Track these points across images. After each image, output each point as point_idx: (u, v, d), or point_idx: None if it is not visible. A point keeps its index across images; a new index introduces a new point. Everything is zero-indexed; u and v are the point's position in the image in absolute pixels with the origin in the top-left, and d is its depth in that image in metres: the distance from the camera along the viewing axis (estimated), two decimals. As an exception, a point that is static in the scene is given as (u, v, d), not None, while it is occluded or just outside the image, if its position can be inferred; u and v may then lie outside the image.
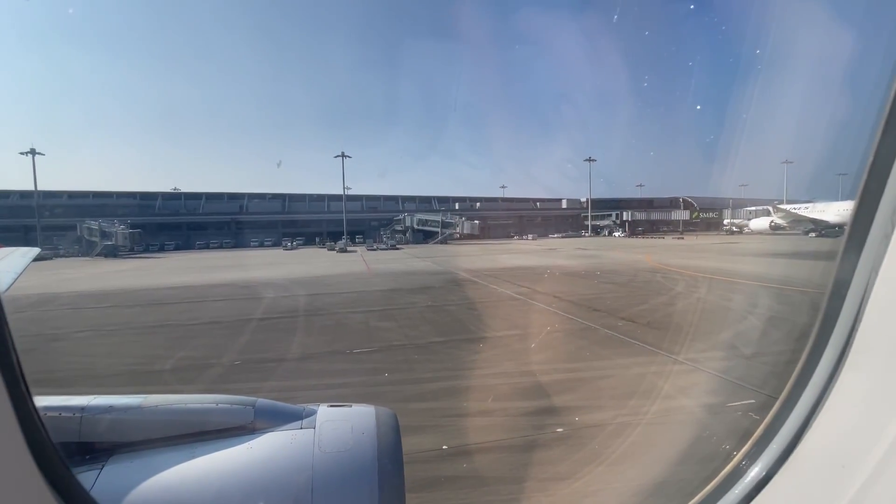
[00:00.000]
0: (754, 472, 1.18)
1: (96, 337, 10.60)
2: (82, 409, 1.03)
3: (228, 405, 1.11)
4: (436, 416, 5.53)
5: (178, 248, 64.23)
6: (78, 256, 48.75)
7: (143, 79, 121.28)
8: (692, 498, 1.30)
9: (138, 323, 12.04)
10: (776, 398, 1.24)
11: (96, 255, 48.45)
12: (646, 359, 7.61)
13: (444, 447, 4.75)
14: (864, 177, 1.02)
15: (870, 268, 1.02)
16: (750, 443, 1.25)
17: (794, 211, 52.10)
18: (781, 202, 57.78)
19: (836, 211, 47.64)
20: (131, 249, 53.77)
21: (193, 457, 0.99)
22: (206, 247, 65.57)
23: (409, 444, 4.64)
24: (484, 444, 4.84)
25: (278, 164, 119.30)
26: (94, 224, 52.43)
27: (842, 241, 1.09)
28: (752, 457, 1.22)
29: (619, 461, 4.42)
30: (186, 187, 76.84)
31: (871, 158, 1.01)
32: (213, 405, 1.11)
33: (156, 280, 23.39)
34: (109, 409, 1.05)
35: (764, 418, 1.25)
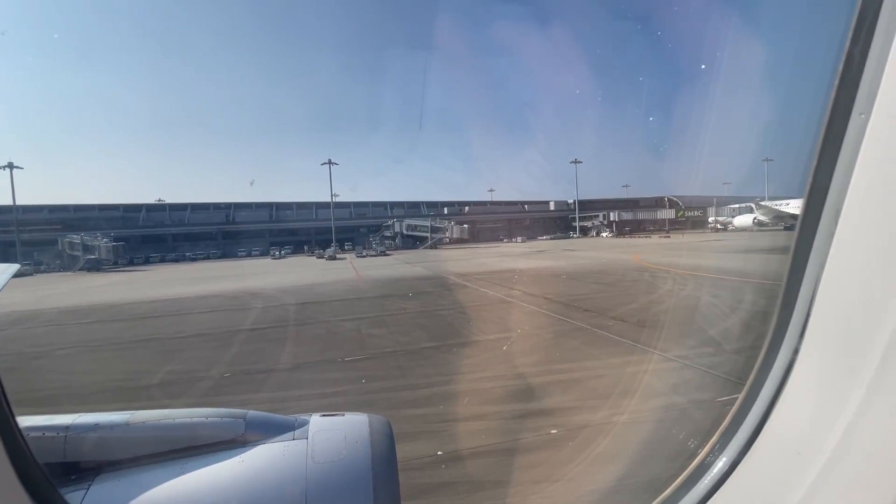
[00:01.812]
0: (720, 464, 1.22)
1: (80, 354, 10.36)
2: (67, 428, 1.01)
3: (218, 418, 1.10)
4: (430, 422, 5.51)
5: (163, 260, 63.20)
6: (60, 272, 47.70)
7: (125, 88, 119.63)
8: (663, 491, 1.33)
9: (123, 338, 11.80)
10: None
11: (79, 270, 47.45)
12: (636, 357, 7.68)
13: (439, 453, 4.73)
14: (811, 175, 1.07)
15: (819, 264, 1.06)
16: (716, 436, 1.28)
17: (775, 207, 53.22)
18: (763, 199, 59.01)
19: (816, 206, 48.69)
20: (115, 263, 52.76)
21: (183, 472, 0.98)
22: (193, 258, 64.66)
23: (404, 451, 4.62)
24: (478, 449, 4.83)
25: (251, 183, 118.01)
26: (75, 238, 51.39)
27: (793, 237, 1.13)
28: (717, 449, 1.25)
29: (612, 460, 4.44)
30: (171, 198, 75.86)
31: (815, 157, 1.05)
32: (203, 419, 1.09)
33: (141, 293, 22.97)
34: (95, 427, 1.03)
35: (730, 412, 1.29)
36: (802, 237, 1.10)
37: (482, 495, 4.10)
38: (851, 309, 0.99)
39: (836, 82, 1.00)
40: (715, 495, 1.18)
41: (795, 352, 1.12)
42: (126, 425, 1.05)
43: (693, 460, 1.31)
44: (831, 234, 1.02)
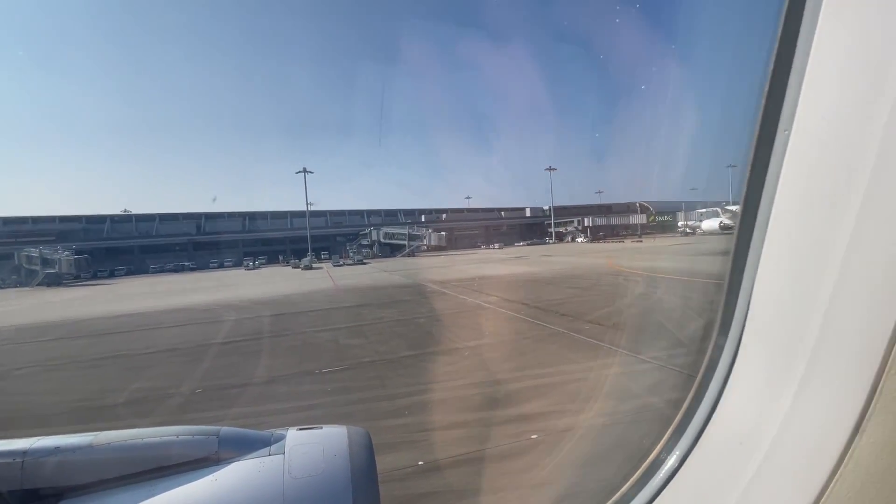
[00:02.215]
0: (670, 462, 1.27)
1: (38, 373, 9.82)
2: (24, 452, 0.95)
3: (190, 436, 1.05)
4: (410, 432, 5.45)
5: (130, 273, 60.83)
6: (17, 287, 45.21)
7: (89, 95, 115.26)
8: (618, 489, 1.39)
9: (86, 355, 11.25)
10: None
11: (37, 285, 45.15)
12: (612, 359, 7.83)
13: (420, 463, 4.68)
14: (745, 185, 1.16)
15: (754, 266, 1.14)
16: (668, 433, 1.35)
17: (739, 211, 55.42)
18: (728, 203, 61.33)
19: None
20: (77, 277, 50.44)
21: (153, 494, 0.93)
22: (162, 270, 62.46)
23: (384, 462, 4.56)
24: (460, 457, 4.80)
25: (213, 200, 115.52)
26: (33, 251, 48.93)
27: (732, 241, 1.22)
28: (668, 447, 1.31)
29: (591, 462, 4.50)
30: (138, 209, 73.27)
31: (749, 168, 1.14)
32: (173, 437, 1.05)
33: (105, 308, 21.99)
34: (55, 450, 0.97)
35: (679, 411, 1.36)
36: (739, 243, 1.19)
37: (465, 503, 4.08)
38: (782, 308, 1.07)
39: (763, 101, 1.09)
40: (664, 490, 1.23)
41: (736, 351, 1.20)
42: (90, 447, 0.99)
43: (644, 461, 1.36)
44: (762, 241, 1.11)
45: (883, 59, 0.86)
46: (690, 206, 74.81)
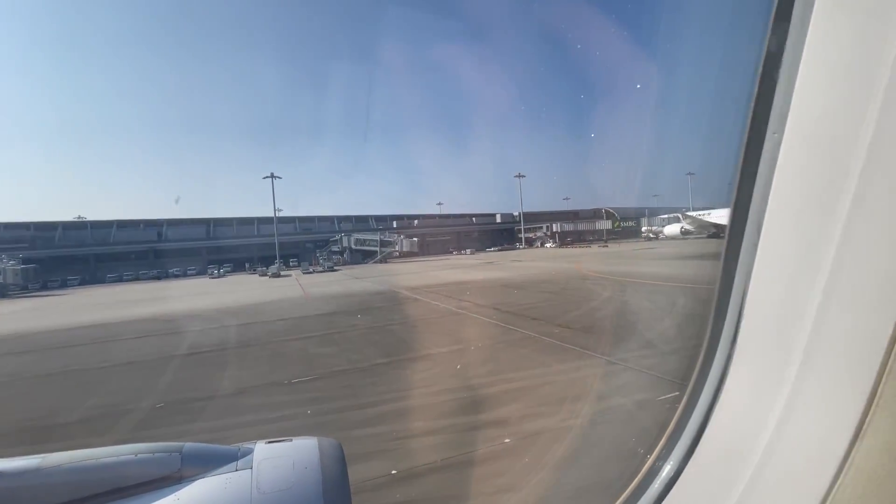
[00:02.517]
0: (668, 469, 1.26)
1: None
2: (-37, 479, 0.88)
3: (150, 454, 1.00)
4: (383, 441, 5.37)
5: (84, 282, 57.54)
6: (-46, 300, 41.91)
7: (38, 93, 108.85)
8: (616, 499, 1.35)
9: (33, 371, 10.53)
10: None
11: (-22, 297, 41.99)
12: (583, 362, 7.98)
13: (393, 472, 4.61)
14: (735, 188, 1.15)
15: (745, 273, 1.13)
16: (663, 440, 1.33)
17: (698, 217, 58.06)
18: (688, 209, 64.14)
19: (733, 215, 53.77)
20: (24, 288, 47.29)
21: (109, 518, 0.88)
22: (120, 280, 59.40)
23: (357, 473, 4.47)
24: (433, 464, 4.77)
25: (176, 201, 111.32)
26: (-26, 261, 45.57)
27: (722, 246, 1.21)
28: (664, 454, 1.29)
29: (562, 464, 4.55)
30: (93, 215, 69.58)
31: (738, 172, 1.14)
32: (132, 456, 0.99)
33: (55, 321, 20.68)
34: (-1, 475, 0.90)
35: (672, 418, 1.34)
36: (730, 247, 1.18)
37: (438, 512, 4.04)
38: (776, 313, 1.06)
39: (752, 104, 1.08)
40: (664, 502, 1.22)
41: (729, 356, 1.17)
42: (37, 470, 0.92)
43: (642, 466, 1.34)
44: (755, 245, 1.09)
45: (876, 59, 0.85)
46: (653, 213, 77.79)
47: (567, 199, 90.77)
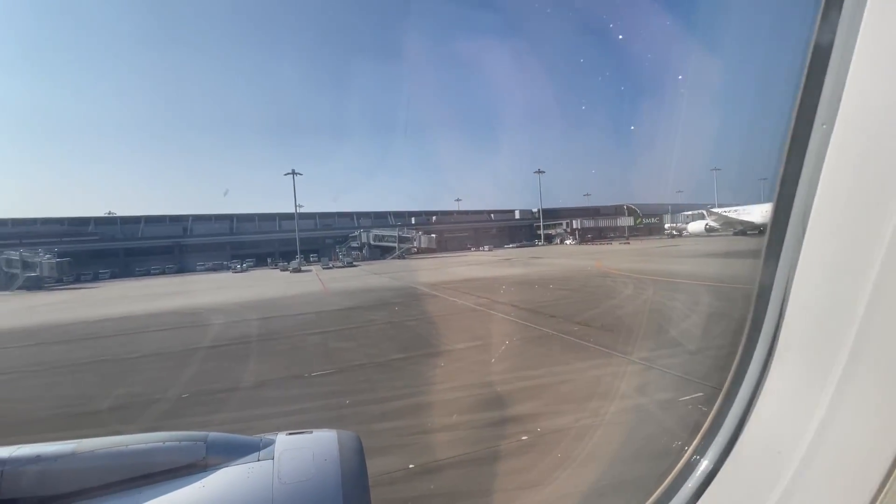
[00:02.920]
0: (703, 466, 1.24)
1: (17, 380, 9.57)
2: (3, 462, 0.92)
3: (176, 442, 1.03)
4: (400, 435, 5.42)
5: (114, 276, 59.68)
6: (-6, 291, 44.04)
7: (72, 95, 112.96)
8: (650, 496, 1.34)
9: (68, 360, 11.00)
10: (719, 390, 1.32)
11: (17, 289, 44.03)
12: (602, 361, 7.87)
13: (411, 466, 4.65)
14: (778, 183, 1.11)
15: (788, 268, 1.10)
16: (698, 438, 1.31)
17: (724, 214, 56.46)
18: (713, 206, 62.46)
19: (760, 213, 52.19)
20: (59, 280, 49.30)
21: (139, 503, 0.91)
22: (147, 273, 61.40)
23: (375, 466, 4.53)
24: (450, 460, 4.79)
25: (224, 193, 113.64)
26: (13, 255, 47.70)
27: (763, 243, 1.17)
28: (700, 451, 1.27)
29: (583, 464, 4.52)
30: (123, 211, 72.05)
31: (782, 165, 1.10)
32: (160, 443, 1.02)
33: (88, 312, 21.53)
34: (37, 459, 0.95)
35: (709, 412, 1.31)
36: (772, 242, 1.15)
37: (455, 507, 4.06)
38: (821, 311, 1.03)
39: (799, 94, 1.04)
40: (700, 500, 1.20)
41: (769, 354, 1.15)
42: (72, 455, 0.97)
43: (676, 464, 1.32)
44: (800, 240, 1.06)
45: None
46: (677, 209, 75.99)
47: (587, 195, 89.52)
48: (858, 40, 0.92)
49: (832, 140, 0.97)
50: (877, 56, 0.90)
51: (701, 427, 1.31)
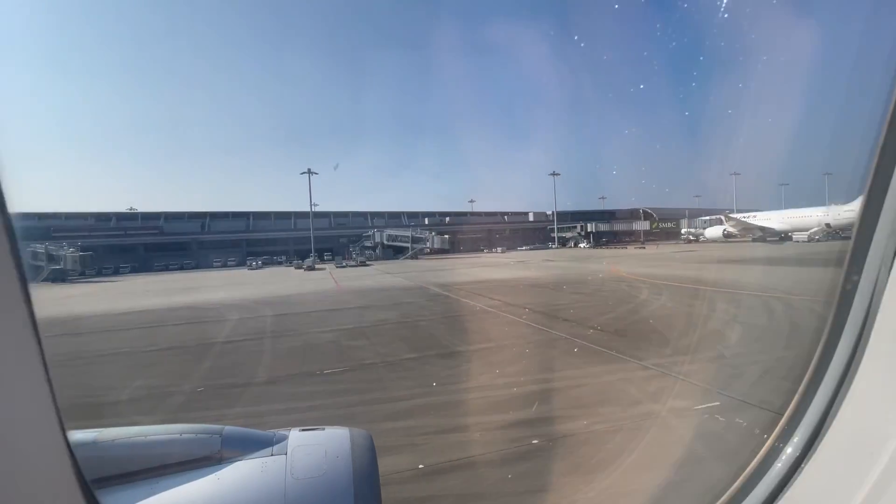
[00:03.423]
0: (779, 466, 1.23)
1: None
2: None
3: (193, 435, 1.06)
4: (411, 435, 5.44)
5: (134, 270, 61.09)
6: (21, 283, 45.42)
7: (93, 95, 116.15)
8: (719, 498, 1.33)
9: (88, 351, 11.29)
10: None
11: (42, 281, 45.36)
12: (615, 366, 7.77)
13: (420, 466, 4.66)
14: (870, 178, 1.09)
15: (878, 264, 1.08)
16: (773, 435, 1.30)
17: (743, 220, 55.28)
18: (732, 211, 61.19)
19: (781, 219, 50.99)
20: (82, 273, 50.71)
21: (155, 492, 0.93)
22: (166, 268, 62.73)
23: (385, 465, 4.55)
24: (461, 461, 4.79)
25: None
26: (39, 248, 49.18)
27: (850, 239, 1.16)
28: (775, 452, 1.27)
29: (593, 470, 4.47)
30: (144, 207, 73.79)
31: (875, 160, 1.08)
32: (177, 435, 1.05)
33: (108, 305, 22.09)
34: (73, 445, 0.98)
35: (786, 412, 1.30)
36: (860, 239, 1.13)
37: (464, 509, 4.06)
38: None
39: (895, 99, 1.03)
40: (778, 499, 1.19)
41: (853, 353, 1.13)
42: (93, 444, 1.00)
43: (752, 462, 1.31)
44: (892, 239, 1.05)
45: None
46: (694, 214, 74.68)
47: (603, 198, 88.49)
48: None
49: None
50: None
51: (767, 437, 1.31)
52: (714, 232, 61.09)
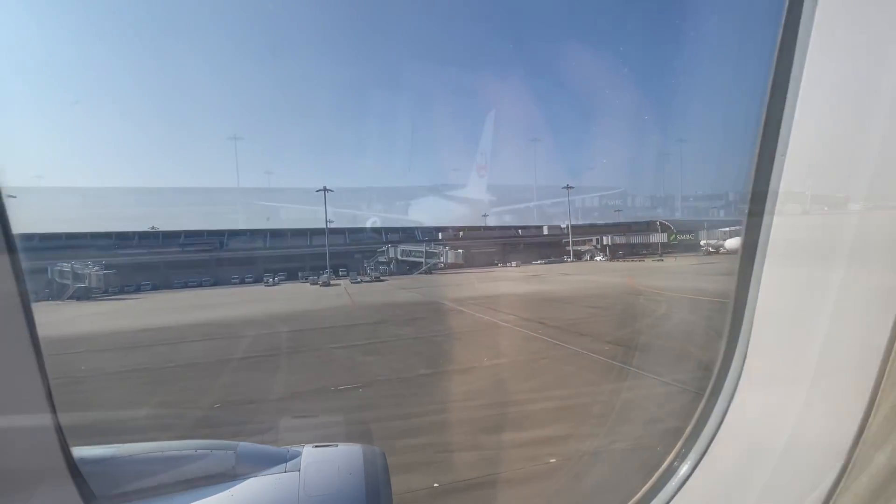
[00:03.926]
0: (684, 468, 1.31)
1: (64, 385, 10.07)
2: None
3: (208, 451, 1.07)
4: (426, 453, 5.37)
5: (155, 288, 62.46)
6: (48, 300, 46.87)
7: (116, 117, 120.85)
8: (635, 494, 1.41)
9: (110, 368, 11.51)
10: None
11: (68, 299, 46.74)
12: (632, 382, 7.60)
13: (435, 485, 4.59)
14: (746, 213, 1.21)
15: (758, 278, 1.18)
16: (680, 442, 1.39)
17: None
18: (753, 222, 59.68)
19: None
20: (105, 291, 52.06)
21: (171, 508, 0.94)
22: (185, 286, 64.00)
23: (399, 483, 4.48)
24: (475, 480, 4.70)
25: (267, 219, 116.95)
26: (65, 266, 50.80)
27: (737, 262, 1.26)
28: (682, 455, 1.34)
29: (614, 486, 4.34)
30: (164, 226, 75.78)
31: (750, 185, 1.18)
32: (192, 451, 1.06)
33: (130, 322, 22.56)
34: (80, 461, 1.00)
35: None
36: (743, 263, 1.23)
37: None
38: (786, 319, 1.11)
39: (764, 111, 1.10)
40: (676, 496, 1.26)
41: (744, 361, 1.22)
42: (112, 459, 1.02)
43: (655, 471, 1.40)
44: (763, 253, 1.15)
45: (879, 62, 0.89)
46: (713, 225, 73.26)
47: (618, 210, 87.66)
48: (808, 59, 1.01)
49: (783, 176, 1.06)
50: (826, 71, 0.99)
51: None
52: (734, 243, 59.65)
